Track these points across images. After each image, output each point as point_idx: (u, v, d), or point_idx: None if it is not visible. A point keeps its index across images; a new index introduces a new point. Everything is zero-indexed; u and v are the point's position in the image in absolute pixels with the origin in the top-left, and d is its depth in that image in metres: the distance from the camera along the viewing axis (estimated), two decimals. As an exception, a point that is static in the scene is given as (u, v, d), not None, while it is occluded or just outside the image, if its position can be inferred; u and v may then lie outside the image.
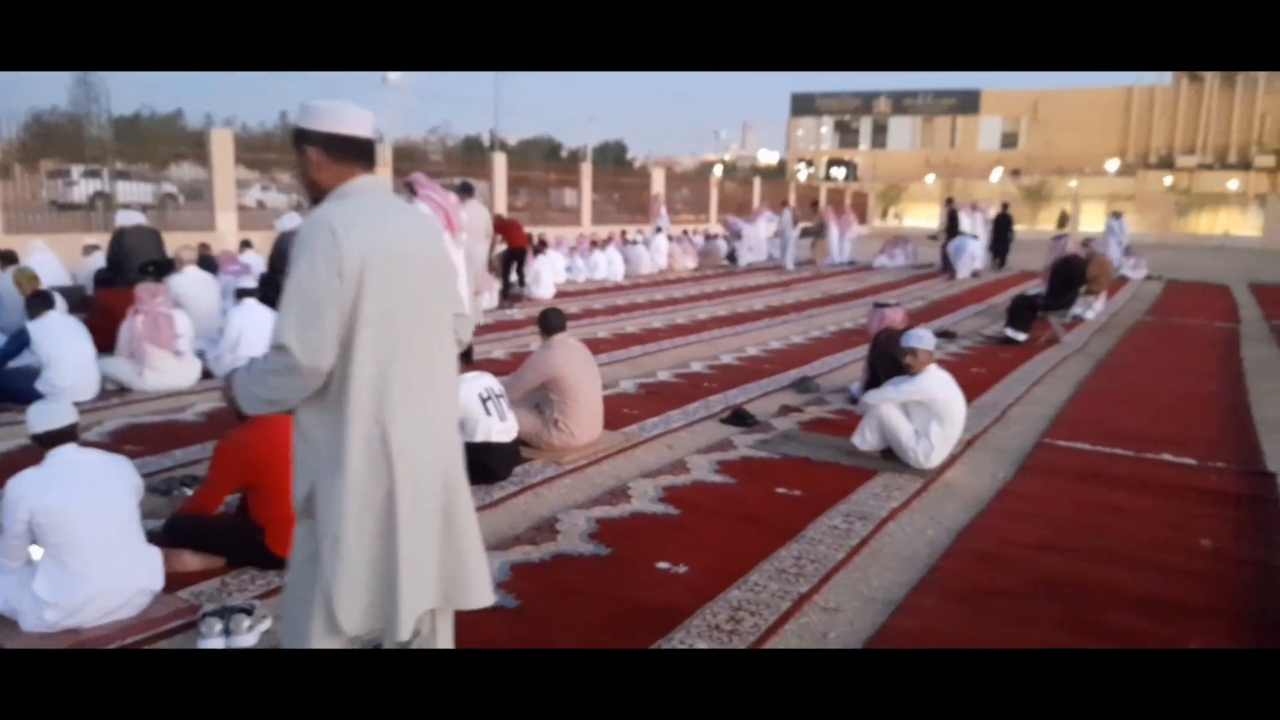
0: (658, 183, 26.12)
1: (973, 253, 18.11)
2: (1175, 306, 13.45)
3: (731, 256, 20.27)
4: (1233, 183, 57.00)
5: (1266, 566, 3.64)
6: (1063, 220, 44.75)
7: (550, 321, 5.21)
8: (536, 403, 5.13)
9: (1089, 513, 4.24)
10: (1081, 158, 64.46)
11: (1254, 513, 4.30)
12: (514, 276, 12.85)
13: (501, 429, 4.56)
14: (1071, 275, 9.71)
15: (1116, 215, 20.70)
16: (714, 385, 7.00)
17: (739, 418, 5.85)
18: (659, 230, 19.48)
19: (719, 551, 3.67)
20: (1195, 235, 42.89)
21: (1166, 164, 63.60)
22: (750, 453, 5.15)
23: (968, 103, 69.79)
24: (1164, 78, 68.05)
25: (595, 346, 8.56)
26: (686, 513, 4.14)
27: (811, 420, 5.98)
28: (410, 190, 9.02)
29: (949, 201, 20.01)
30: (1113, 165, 64.06)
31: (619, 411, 5.96)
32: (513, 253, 12.78)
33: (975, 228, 20.02)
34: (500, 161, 21.08)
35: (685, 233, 22.22)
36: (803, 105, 74.51)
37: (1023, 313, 9.44)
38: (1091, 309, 11.46)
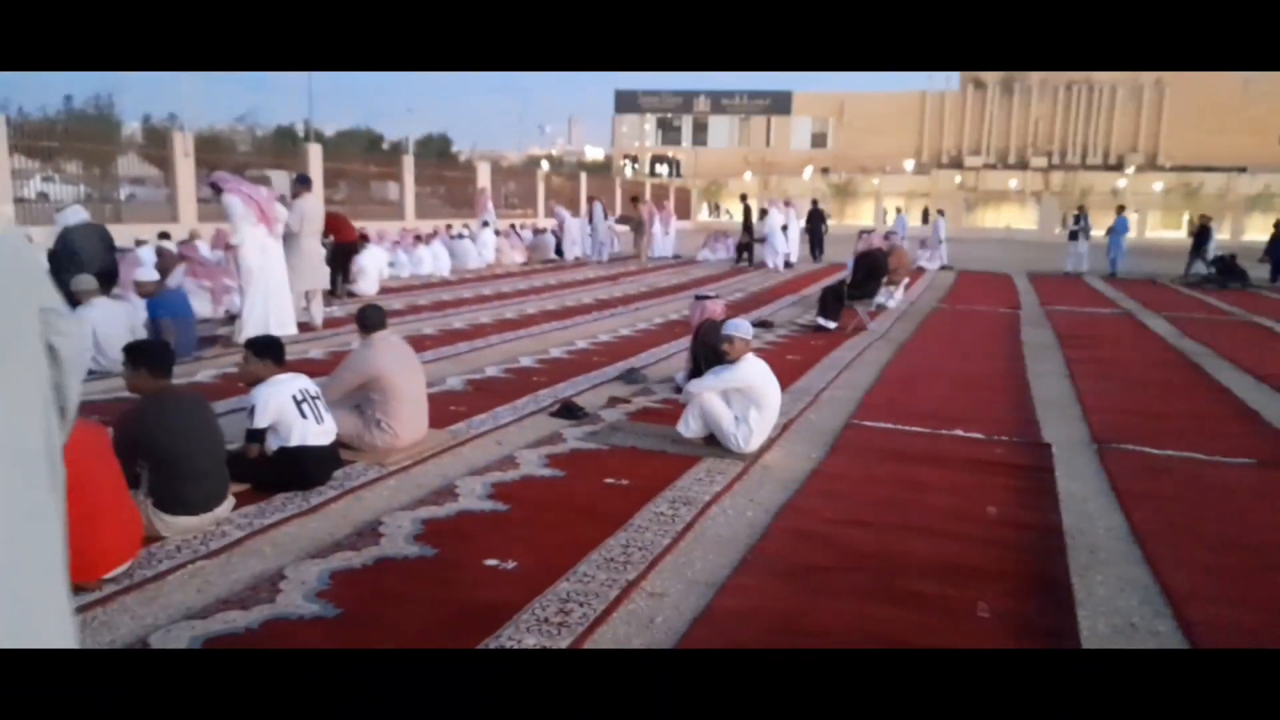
0: (483, 176, 25.72)
1: (776, 246, 19.05)
2: (966, 295, 14.70)
3: (559, 250, 20.31)
4: (1013, 181, 62.81)
5: (1043, 529, 4.05)
6: (925, 216, 48.45)
7: (369, 319, 5.02)
8: (357, 403, 4.94)
9: (892, 488, 4.56)
10: (883, 157, 69.00)
11: (1033, 481, 4.77)
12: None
13: (318, 431, 4.35)
14: (873, 267, 10.40)
15: (940, 212, 22.75)
16: (543, 379, 6.99)
17: (568, 411, 5.87)
18: (485, 224, 19.21)
19: (548, 545, 3.67)
20: (983, 229, 47.03)
21: (956, 164, 69.20)
22: (579, 445, 5.18)
23: (781, 103, 73.15)
24: (952, 82, 73.88)
25: (421, 343, 8.36)
26: (515, 508, 4.11)
27: (639, 410, 6.09)
28: (215, 189, 8.45)
29: (744, 198, 21.00)
30: (910, 164, 68.91)
31: (446, 409, 5.83)
32: (342, 248, 12.21)
33: (789, 222, 21.08)
34: (315, 153, 20.09)
35: (513, 227, 22.02)
36: (626, 102, 75.59)
37: (831, 303, 10.03)
38: (893, 298, 12.34)
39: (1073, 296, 14.87)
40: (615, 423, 5.72)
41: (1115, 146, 71.13)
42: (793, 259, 20.09)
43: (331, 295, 11.30)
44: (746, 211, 19.97)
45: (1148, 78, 69.31)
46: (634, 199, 21.61)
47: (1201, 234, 19.74)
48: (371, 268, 12.68)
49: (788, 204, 22.38)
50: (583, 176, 36.45)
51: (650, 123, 76.96)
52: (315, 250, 9.43)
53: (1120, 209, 21.88)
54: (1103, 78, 69.78)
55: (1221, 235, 45.54)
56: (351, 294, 12.06)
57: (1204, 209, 51.03)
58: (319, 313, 9.42)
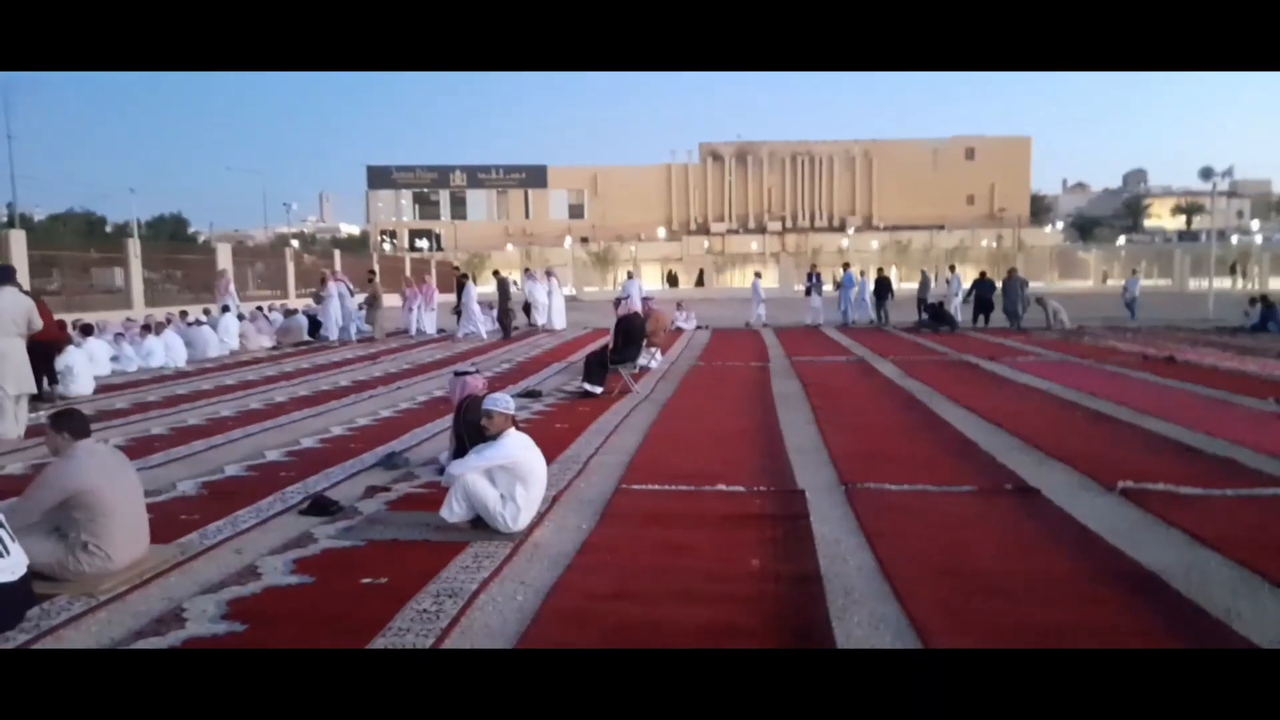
0: (224, 258, 23.97)
1: (472, 315, 19.79)
2: (720, 351, 15.49)
3: (314, 330, 19.21)
4: (754, 244, 67.89)
5: (802, 577, 4.19)
6: (700, 279, 51.18)
7: (66, 425, 4.36)
8: (56, 525, 4.24)
9: (659, 555, 4.54)
10: (638, 225, 72.29)
11: (790, 528, 4.96)
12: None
13: (2, 567, 3.67)
14: (633, 330, 10.68)
15: (757, 275, 24.27)
16: (292, 474, 6.43)
17: (319, 507, 5.41)
18: (226, 309, 17.81)
19: (294, 665, 3.27)
20: (731, 289, 50.15)
21: (704, 230, 73.89)
22: (332, 543, 4.76)
23: (536, 177, 74.91)
24: (693, 157, 79.09)
25: (149, 445, 7.47)
26: (254, 628, 3.66)
27: (400, 498, 5.74)
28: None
29: (496, 273, 21.15)
30: (662, 232, 72.64)
31: (175, 519, 5.18)
32: (39, 345, 10.67)
33: (552, 289, 21.57)
34: (19, 239, 17.78)
35: (260, 310, 20.61)
36: (379, 178, 74.15)
37: (596, 368, 10.15)
38: (654, 359, 12.73)
39: (814, 347, 16.12)
40: (374, 515, 5.33)
41: (837, 210, 79.16)
42: (559, 325, 20.50)
43: (37, 400, 9.85)
44: (502, 285, 19.93)
45: (858, 148, 78.24)
46: (370, 273, 20.93)
47: (881, 285, 22.12)
48: (81, 365, 11.21)
49: (549, 274, 22.71)
50: (336, 253, 35.01)
51: (406, 197, 75.82)
52: (15, 350, 8.20)
53: (846, 265, 24.22)
54: (821, 149, 77.86)
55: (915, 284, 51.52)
56: (63, 397, 10.61)
57: (914, 263, 57.71)
58: (20, 421, 8.17)
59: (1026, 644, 3.39)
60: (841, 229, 73.11)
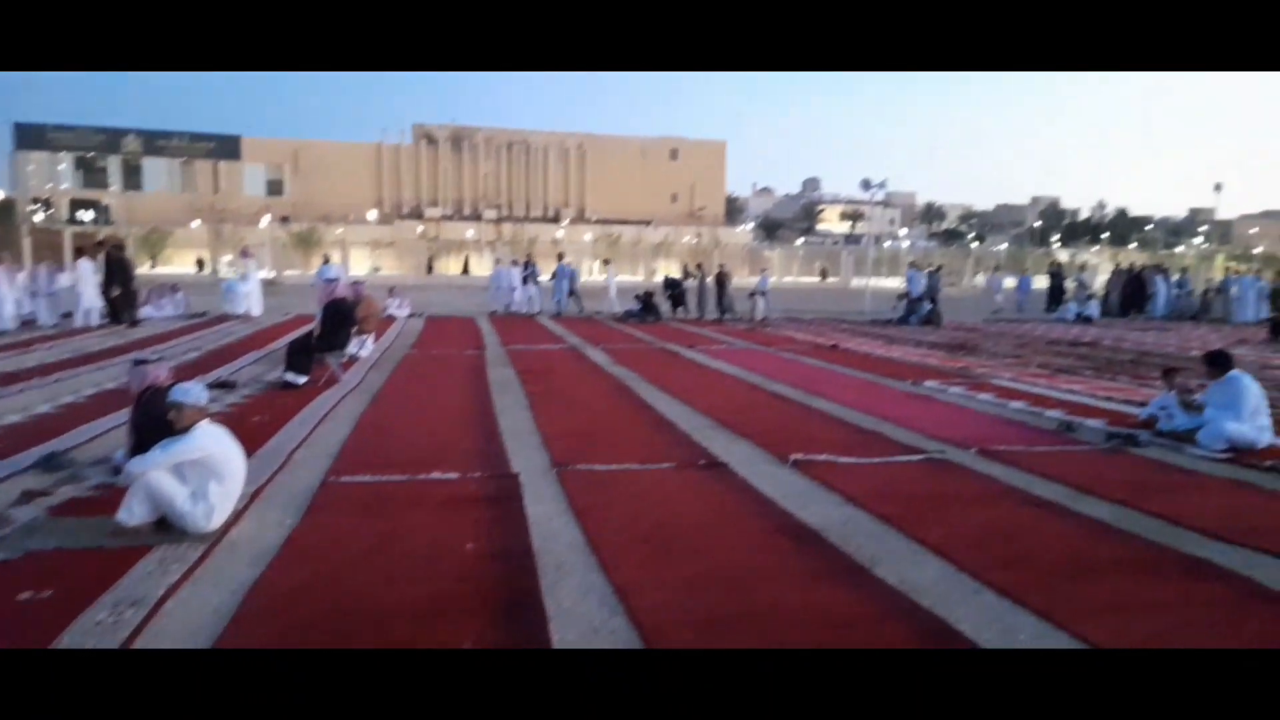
0: None
1: (244, 292, 17.98)
2: (435, 339, 15.26)
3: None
4: (470, 231, 67.12)
5: (516, 554, 4.34)
6: (325, 262, 47.84)
7: None
8: None
9: (369, 544, 4.47)
10: (345, 206, 68.57)
11: (504, 510, 5.09)
12: None
13: None
14: (341, 317, 10.23)
15: (606, 261, 23.31)
16: (-83, 482, 5.45)
17: (-42, 518, 4.66)
18: None
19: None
20: (447, 276, 49.35)
21: (417, 214, 71.72)
22: (-22, 559, 4.13)
23: (228, 148, 68.29)
24: (406, 137, 76.54)
25: None
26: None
27: (65, 503, 5.09)
28: None
29: (105, 246, 18.40)
30: (373, 214, 69.58)
31: None
32: None
33: (249, 273, 20.03)
34: None
35: None
36: (30, 138, 63.63)
37: (300, 356, 9.60)
38: (365, 347, 12.27)
39: (528, 336, 16.40)
40: (31, 523, 4.70)
41: (552, 201, 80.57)
42: (256, 311, 19.02)
43: None
44: (119, 262, 16.38)
45: (572, 141, 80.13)
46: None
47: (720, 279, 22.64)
48: None
49: (245, 254, 20.98)
50: (-29, 223, 29.68)
51: (66, 162, 66.05)
52: None
53: (560, 256, 24.81)
54: (537, 139, 78.78)
55: (636, 277, 54.24)
56: None
57: (622, 256, 60.33)
58: None
59: (716, 590, 3.80)
60: (556, 220, 74.57)
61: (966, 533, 4.74)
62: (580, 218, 76.82)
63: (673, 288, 22.92)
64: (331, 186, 68.41)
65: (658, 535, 4.65)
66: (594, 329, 18.26)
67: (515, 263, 24.49)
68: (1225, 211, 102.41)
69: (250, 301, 19.50)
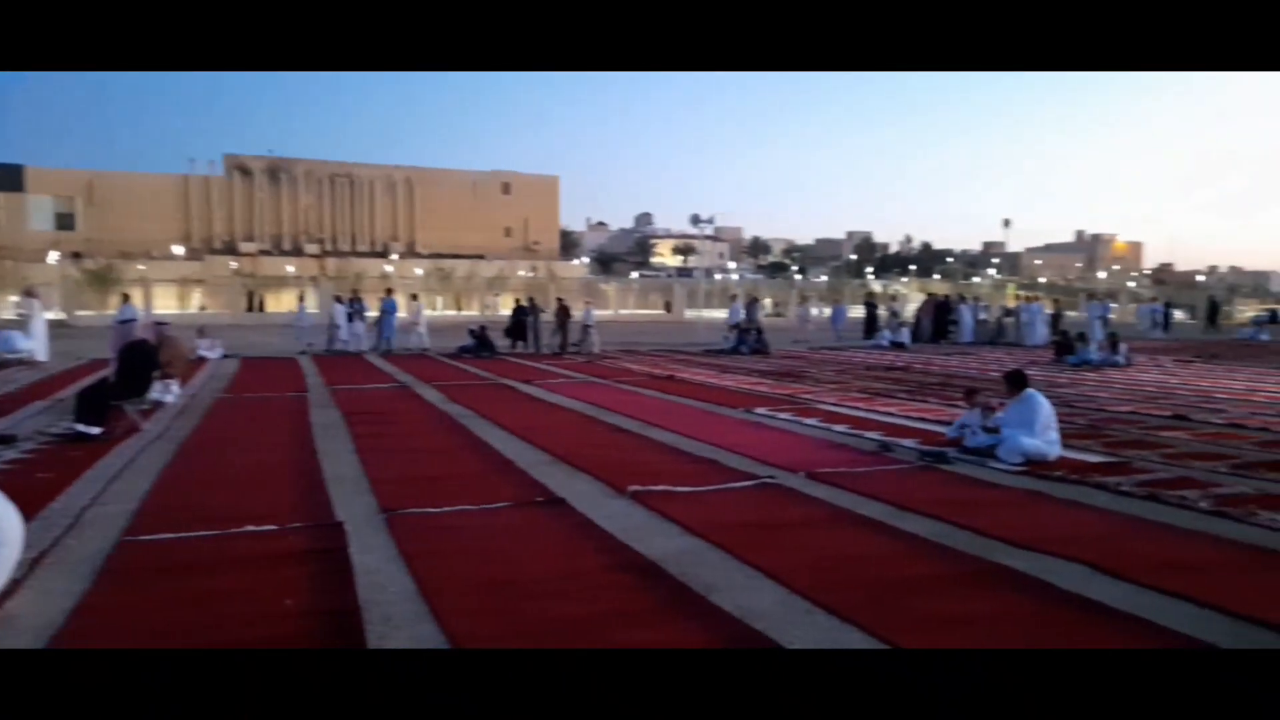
0: None
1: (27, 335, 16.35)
2: (252, 382, 14.31)
3: None
4: (290, 267, 63.94)
5: (340, 610, 4.05)
6: (125, 301, 44.32)
7: None
8: None
9: (173, 610, 4.06)
10: (148, 241, 63.80)
11: (328, 563, 4.77)
12: None
13: None
14: (142, 360, 9.39)
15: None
16: None
17: None
18: None
19: None
20: (265, 314, 46.69)
21: (231, 249, 67.69)
22: None
23: (10, 178, 62.02)
24: (216, 168, 72.40)
25: None
26: None
27: None
28: None
29: None
30: (180, 249, 65.14)
31: None
32: None
33: (33, 314, 18.14)
34: None
35: None
36: None
37: (92, 404, 8.71)
38: (170, 392, 11.32)
39: (355, 375, 15.70)
40: None
41: (380, 235, 78.27)
42: (41, 356, 17.22)
43: None
44: None
45: (400, 175, 78.35)
46: None
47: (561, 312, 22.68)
48: None
49: (30, 293, 19.00)
50: None
51: None
52: None
53: (389, 291, 24.05)
54: (363, 172, 76.47)
55: (471, 311, 53.41)
56: None
57: (456, 291, 59.34)
58: None
59: (555, 636, 3.69)
60: (384, 255, 72.37)
61: (799, 556, 4.87)
62: (411, 252, 75.00)
63: (521, 315, 22.56)
64: (131, 220, 63.43)
65: (494, 580, 4.49)
66: (426, 366, 17.73)
67: (339, 299, 23.46)
68: (1014, 245, 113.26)
69: (34, 345, 17.63)
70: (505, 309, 27.59)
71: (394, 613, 4.03)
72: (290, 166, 72.52)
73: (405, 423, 10.07)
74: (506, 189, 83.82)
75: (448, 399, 12.11)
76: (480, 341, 20.94)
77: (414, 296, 25.04)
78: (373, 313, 23.76)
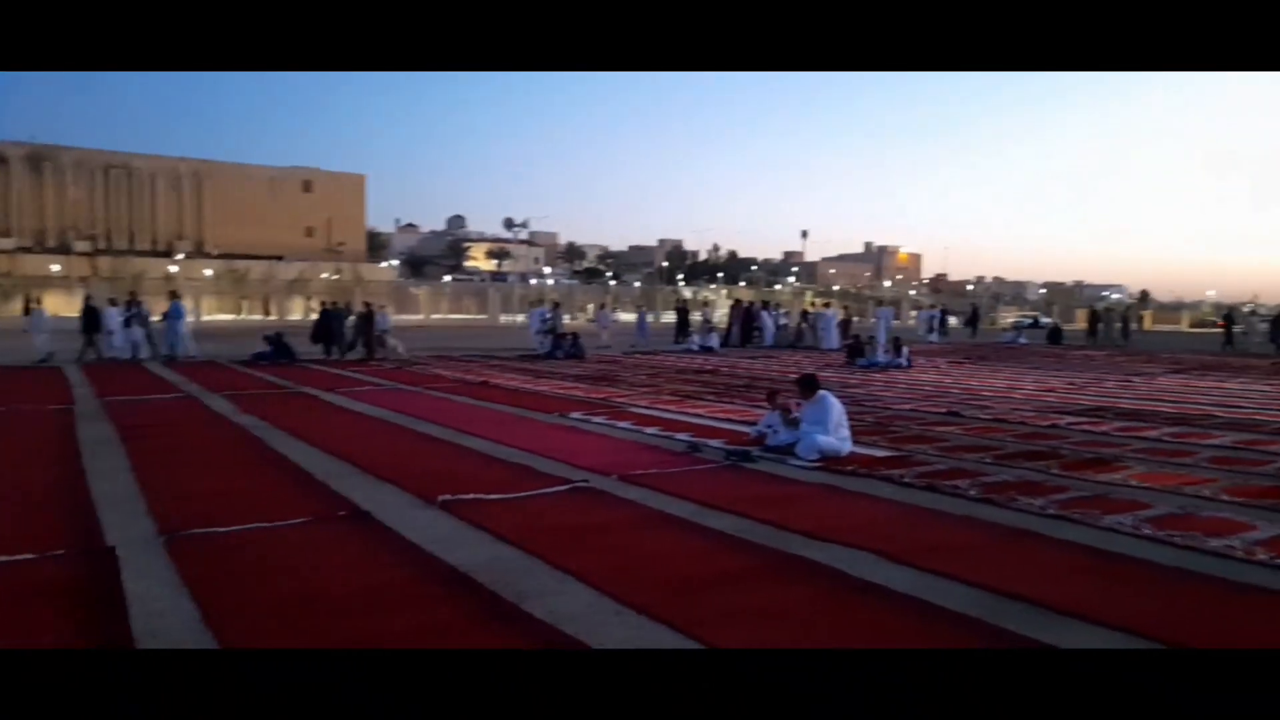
0: None
1: None
2: (4, 394, 12.73)
3: None
4: (56, 266, 57.67)
5: (109, 643, 3.67)
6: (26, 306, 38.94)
7: None
8: None
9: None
10: (-125, 234, 55.71)
11: (96, 593, 4.30)
12: None
13: None
14: None
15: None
16: None
17: None
18: None
19: None
20: (13, 317, 41.71)
21: (-17, 246, 60.25)
22: None
23: None
24: (-35, 155, 64.20)
25: None
26: None
27: None
28: None
29: None
30: (-82, 244, 57.29)
31: None
32: None
33: None
34: None
35: None
36: None
37: None
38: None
39: (133, 385, 14.34)
40: None
41: (163, 233, 72.11)
42: None
43: None
44: None
45: (187, 168, 72.52)
46: None
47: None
48: None
49: None
50: None
51: None
52: None
53: (173, 294, 22.17)
54: (142, 164, 70.14)
55: (271, 316, 50.35)
56: None
57: (251, 294, 55.80)
58: None
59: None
60: (168, 254, 66.66)
61: (609, 557, 4.92)
62: (199, 251, 69.53)
63: (328, 319, 21.37)
64: None
65: (289, 602, 4.22)
66: (216, 374, 16.48)
67: (114, 301, 21.32)
68: (811, 255, 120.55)
69: None
70: (296, 314, 26.11)
71: (176, 643, 3.69)
72: (55, 155, 65.29)
73: (191, 436, 9.30)
74: (308, 187, 79.56)
75: (240, 409, 11.31)
76: (277, 348, 19.71)
77: (174, 294, 22.49)
78: (156, 317, 21.82)
